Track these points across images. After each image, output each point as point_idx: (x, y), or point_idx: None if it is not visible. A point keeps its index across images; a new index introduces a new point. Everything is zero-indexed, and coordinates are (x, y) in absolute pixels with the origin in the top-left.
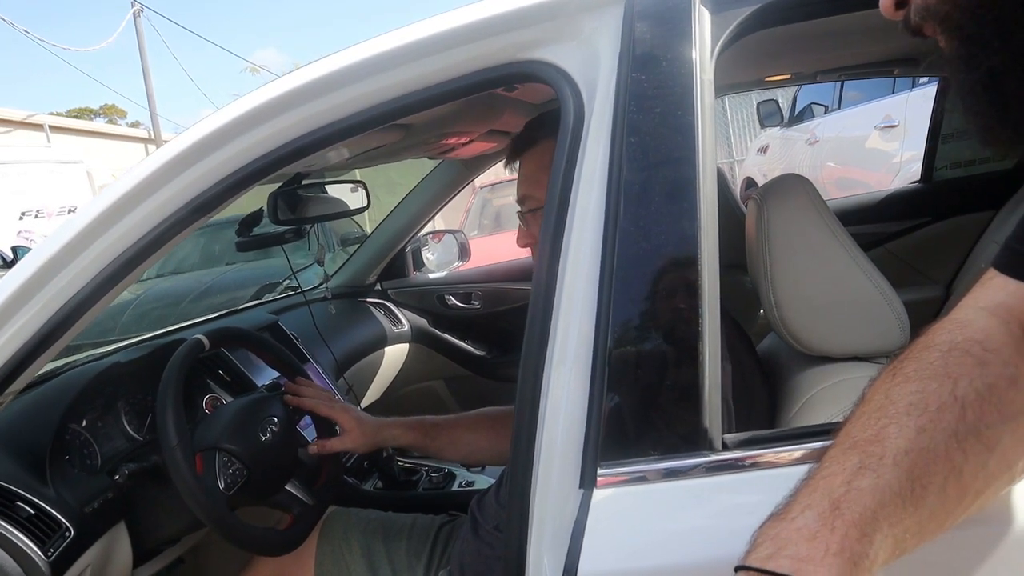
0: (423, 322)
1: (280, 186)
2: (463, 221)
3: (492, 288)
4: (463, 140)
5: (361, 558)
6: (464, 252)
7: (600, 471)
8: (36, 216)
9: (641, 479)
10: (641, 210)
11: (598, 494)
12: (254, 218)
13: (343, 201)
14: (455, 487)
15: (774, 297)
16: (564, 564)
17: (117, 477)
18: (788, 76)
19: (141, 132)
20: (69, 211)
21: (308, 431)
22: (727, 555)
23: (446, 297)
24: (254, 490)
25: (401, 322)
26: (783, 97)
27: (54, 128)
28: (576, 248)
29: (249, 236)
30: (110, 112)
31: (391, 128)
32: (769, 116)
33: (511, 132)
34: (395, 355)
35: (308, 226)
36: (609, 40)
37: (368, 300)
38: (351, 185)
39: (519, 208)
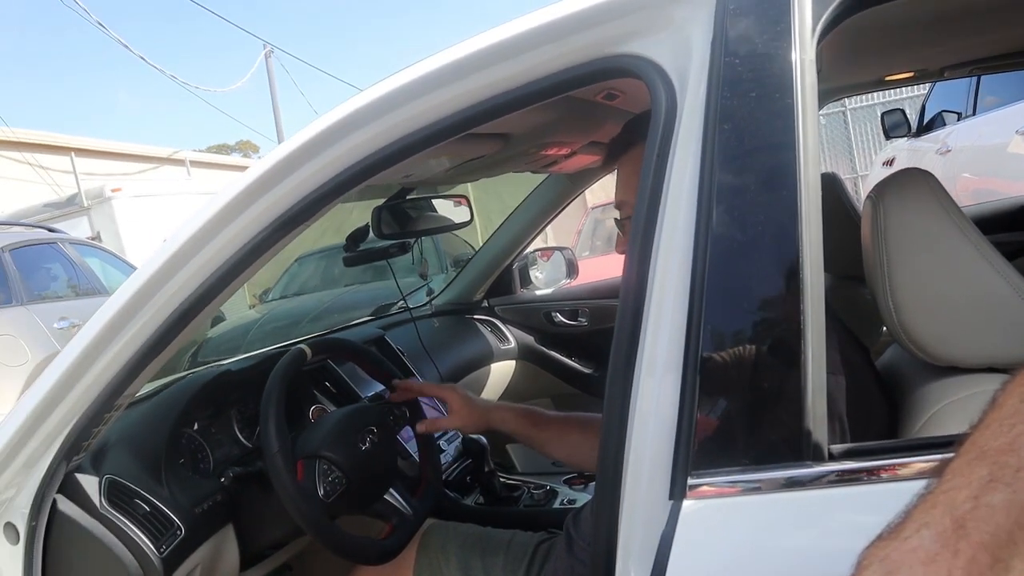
0: (530, 339)
1: (385, 201)
2: (575, 242)
3: (599, 304)
4: (564, 151)
5: (458, 571)
6: (572, 269)
7: (691, 481)
8: None
9: (734, 490)
10: (736, 201)
11: (688, 505)
12: (361, 233)
13: (447, 216)
14: (556, 505)
15: (892, 301)
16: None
17: (223, 480)
18: (911, 74)
19: None
20: None
21: (410, 444)
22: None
23: (553, 314)
24: (353, 498)
25: (507, 339)
26: (910, 107)
27: (194, 163)
28: (667, 247)
29: (356, 251)
30: (245, 147)
31: (489, 138)
32: (895, 127)
33: None
34: (501, 372)
35: (412, 240)
36: (701, 27)
37: (475, 316)
38: (455, 199)
39: (617, 216)
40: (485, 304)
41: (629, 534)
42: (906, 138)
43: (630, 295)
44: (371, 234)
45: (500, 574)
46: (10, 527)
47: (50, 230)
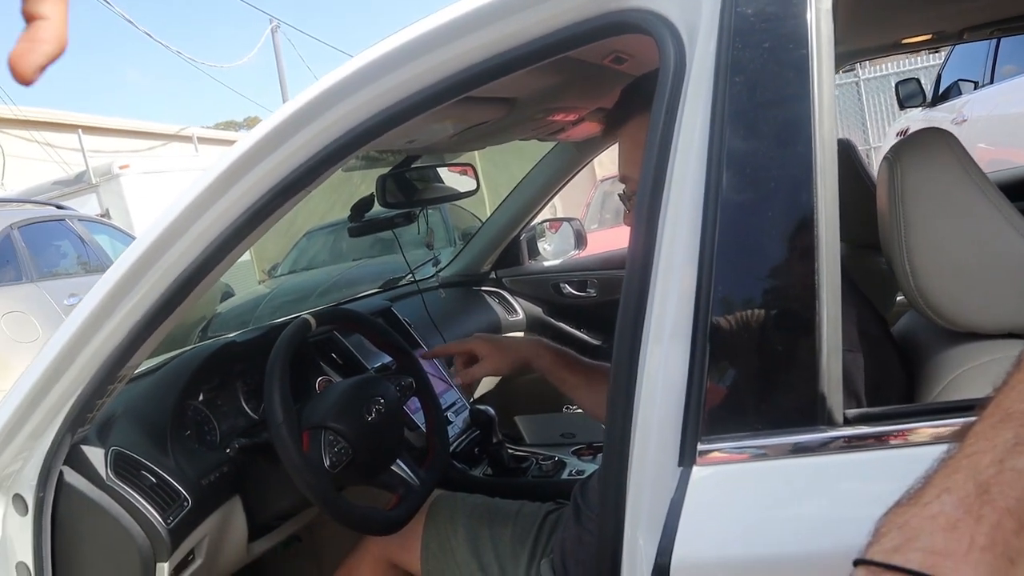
0: (538, 310)
1: (390, 170)
2: (584, 215)
3: (608, 275)
4: (571, 118)
5: (465, 542)
6: (580, 240)
7: (700, 447)
8: None
9: (745, 456)
10: (748, 157)
11: (697, 472)
12: (366, 203)
13: (453, 185)
14: (564, 476)
15: (909, 265)
16: (658, 546)
17: (229, 451)
18: (929, 36)
19: None
20: None
21: (417, 415)
22: (843, 545)
23: (561, 285)
24: (359, 469)
25: (516, 310)
26: (925, 77)
27: (201, 139)
28: (675, 209)
29: (361, 221)
30: (252, 124)
31: (494, 102)
32: (910, 97)
33: None
34: None
35: (418, 210)
36: None
37: (483, 288)
38: (461, 168)
39: (621, 193)
40: (493, 275)
41: (637, 501)
42: (921, 108)
43: (637, 260)
44: (376, 204)
45: (508, 544)
46: (19, 499)
47: (58, 207)
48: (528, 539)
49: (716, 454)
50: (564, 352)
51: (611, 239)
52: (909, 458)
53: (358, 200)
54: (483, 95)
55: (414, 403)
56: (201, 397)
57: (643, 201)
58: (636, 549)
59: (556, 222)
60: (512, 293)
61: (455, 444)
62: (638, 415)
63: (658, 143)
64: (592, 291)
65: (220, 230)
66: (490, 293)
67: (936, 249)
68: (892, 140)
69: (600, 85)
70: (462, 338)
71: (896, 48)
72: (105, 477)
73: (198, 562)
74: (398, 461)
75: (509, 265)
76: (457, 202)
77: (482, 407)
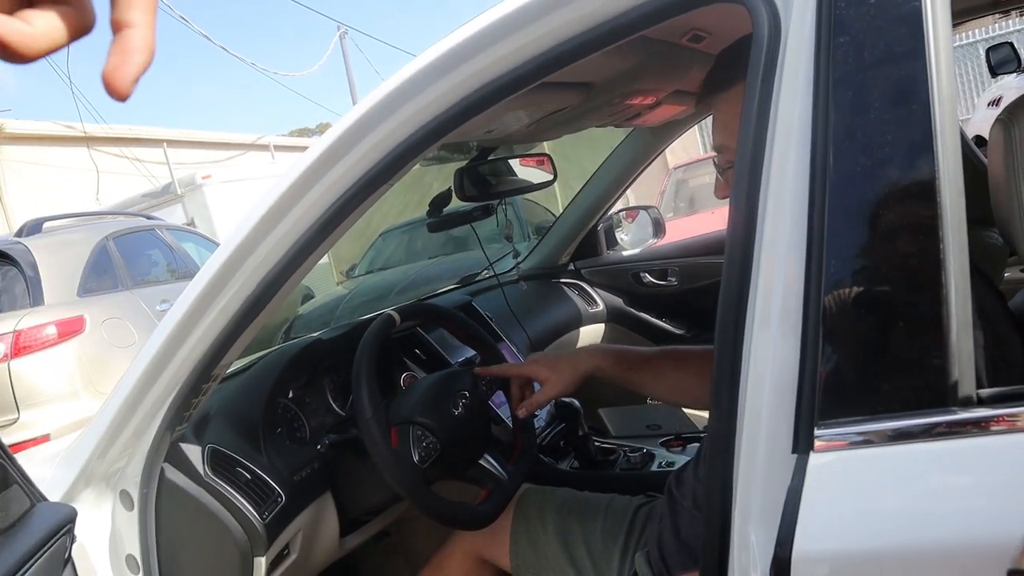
0: (618, 301)
1: (467, 163)
2: (658, 204)
3: (689, 263)
4: (648, 101)
5: (555, 536)
6: (659, 228)
7: (818, 432)
8: None
9: (869, 441)
10: (857, 123)
11: (816, 459)
12: (444, 198)
13: (529, 177)
14: (654, 467)
15: None
16: (776, 539)
17: (320, 447)
18: None
19: None
20: None
21: (503, 409)
22: (986, 537)
23: (641, 274)
24: (448, 464)
25: (596, 301)
26: (1018, 41)
27: (278, 147)
28: (777, 186)
29: (439, 216)
30: (324, 129)
31: (571, 88)
32: (1003, 63)
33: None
34: (591, 335)
35: (496, 203)
36: None
37: (561, 280)
38: (537, 159)
39: (715, 160)
40: (571, 267)
41: (747, 492)
42: (1015, 74)
43: (737, 244)
44: (454, 199)
45: (599, 538)
46: (125, 494)
47: (148, 218)
48: (620, 533)
49: (836, 440)
50: (621, 353)
51: (687, 227)
52: None
53: (436, 195)
54: (560, 80)
55: (499, 397)
56: (291, 395)
57: (741, 181)
58: (747, 543)
59: (632, 211)
60: (591, 284)
61: (541, 437)
62: (745, 403)
63: (755, 113)
64: (673, 279)
65: (302, 231)
66: (569, 285)
67: None
68: (983, 111)
69: (678, 66)
70: (531, 344)
71: (992, 7)
72: (203, 474)
73: (293, 557)
74: (486, 455)
75: (587, 256)
76: (530, 197)
77: (567, 399)
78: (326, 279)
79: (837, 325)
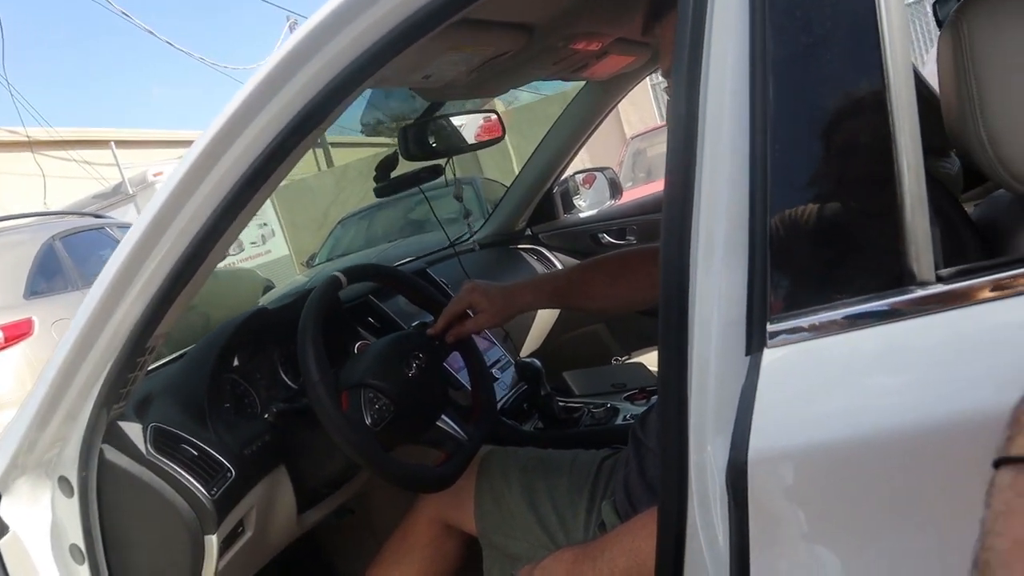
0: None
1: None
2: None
3: (647, 220)
4: (593, 47)
5: (520, 495)
6: (616, 189)
7: (771, 328)
8: None
9: (825, 330)
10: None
11: (769, 356)
12: (390, 161)
13: (475, 133)
14: (619, 421)
15: (986, 134)
16: (731, 442)
17: (267, 416)
18: None
19: None
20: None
21: (461, 374)
22: (956, 417)
23: (600, 235)
24: (403, 426)
25: (555, 265)
26: None
27: None
28: (717, 70)
29: (387, 180)
30: None
31: (511, 30)
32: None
33: (647, 43)
34: None
35: (444, 163)
36: None
37: (519, 247)
38: (484, 115)
39: (666, 89)
40: (528, 233)
41: (701, 403)
42: None
43: (680, 128)
44: (401, 163)
45: (565, 493)
46: (64, 481)
47: (96, 216)
48: (586, 486)
49: (790, 333)
50: (553, 281)
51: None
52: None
53: (382, 158)
54: (497, 19)
55: (457, 362)
56: (236, 363)
57: (680, 76)
58: (704, 455)
59: (589, 176)
60: (550, 248)
61: (503, 400)
62: (695, 303)
63: (689, 34)
64: (632, 238)
65: (234, 180)
66: (527, 251)
67: (1016, 107)
68: (932, 65)
69: (622, 8)
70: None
71: None
72: (145, 452)
73: (248, 534)
74: (444, 417)
75: (544, 220)
76: (491, 176)
77: (528, 359)
78: (287, 272)
79: (785, 209)
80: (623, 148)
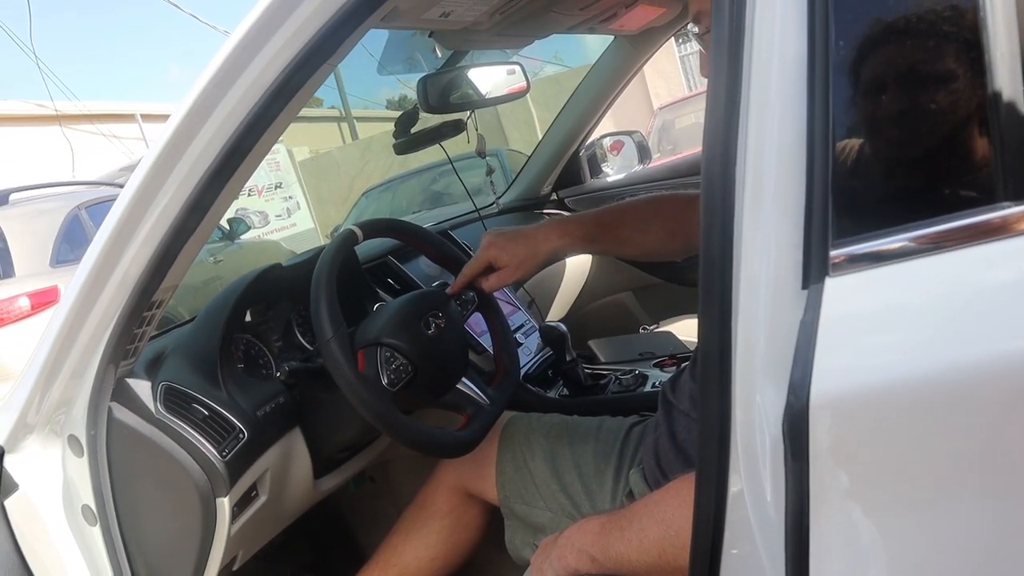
0: None
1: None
2: None
3: (678, 184)
4: None
5: (544, 462)
6: (645, 153)
7: (834, 252)
8: (248, 195)
9: (898, 255)
10: None
11: (832, 285)
12: (411, 117)
13: (500, 86)
14: (648, 388)
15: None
16: (788, 387)
17: (279, 374)
18: None
19: (333, 112)
20: (276, 186)
21: (484, 338)
22: None
23: (627, 200)
24: (422, 387)
25: None
26: None
27: None
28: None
29: (407, 136)
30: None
31: None
32: None
33: None
34: (577, 266)
35: (466, 117)
36: None
37: (544, 211)
38: (507, 68)
39: (696, 31)
40: (554, 197)
41: (748, 348)
42: None
43: (723, 70)
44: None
45: (590, 461)
46: (74, 439)
47: (120, 186)
48: (612, 453)
49: (855, 260)
50: (581, 224)
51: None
52: None
53: (402, 114)
54: None
55: (480, 326)
56: (249, 319)
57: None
58: (751, 405)
59: (616, 143)
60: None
61: (527, 366)
62: (740, 230)
63: None
64: None
65: (240, 118)
66: (552, 215)
67: None
68: None
69: None
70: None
71: None
72: (154, 411)
73: (263, 499)
74: (465, 380)
75: (570, 184)
76: (515, 147)
77: (552, 323)
78: (313, 244)
79: (851, 113)
80: (650, 120)
